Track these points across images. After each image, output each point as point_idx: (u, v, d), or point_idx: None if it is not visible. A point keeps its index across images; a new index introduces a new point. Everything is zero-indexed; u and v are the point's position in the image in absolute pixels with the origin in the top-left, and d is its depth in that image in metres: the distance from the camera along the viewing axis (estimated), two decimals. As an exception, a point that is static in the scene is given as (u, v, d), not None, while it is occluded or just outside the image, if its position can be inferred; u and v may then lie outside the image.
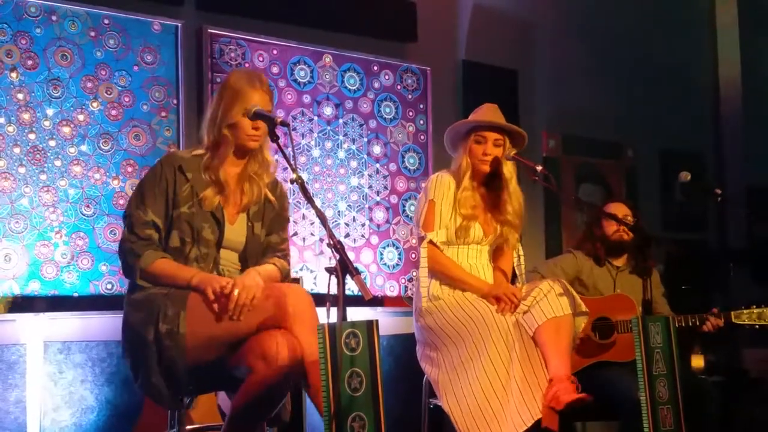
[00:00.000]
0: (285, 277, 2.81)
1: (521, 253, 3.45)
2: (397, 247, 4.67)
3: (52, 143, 3.71)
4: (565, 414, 2.90)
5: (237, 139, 2.69)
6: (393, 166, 4.71)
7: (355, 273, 2.25)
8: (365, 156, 4.62)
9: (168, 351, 2.47)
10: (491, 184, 3.36)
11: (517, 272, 3.43)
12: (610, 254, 3.78)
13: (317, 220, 2.41)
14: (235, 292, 2.46)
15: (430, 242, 3.26)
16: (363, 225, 4.58)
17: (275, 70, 4.36)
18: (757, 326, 3.52)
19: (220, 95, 2.72)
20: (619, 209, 3.73)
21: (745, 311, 3.53)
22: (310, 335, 2.42)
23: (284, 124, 2.60)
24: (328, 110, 4.51)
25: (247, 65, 4.25)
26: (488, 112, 3.36)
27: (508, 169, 3.34)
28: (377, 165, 4.65)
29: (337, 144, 4.53)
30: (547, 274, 3.72)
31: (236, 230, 2.73)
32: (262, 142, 2.74)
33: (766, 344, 5.08)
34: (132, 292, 2.62)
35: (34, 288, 3.62)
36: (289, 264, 2.86)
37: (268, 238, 2.82)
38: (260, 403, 2.48)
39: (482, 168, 3.31)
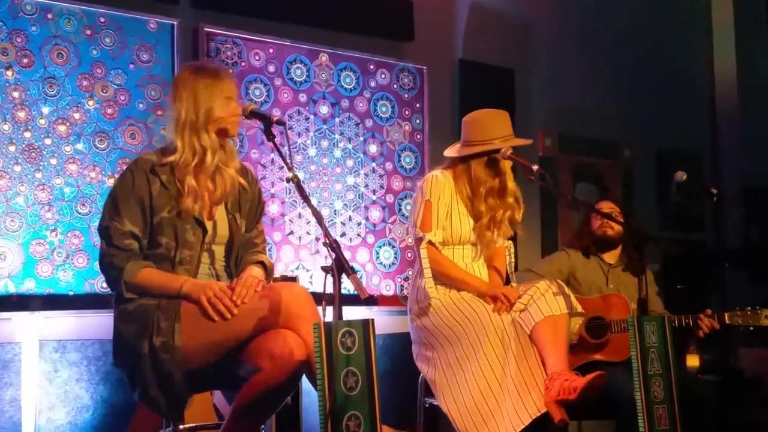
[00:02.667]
0: (271, 272, 2.79)
1: (512, 251, 3.46)
2: (393, 247, 4.67)
3: (48, 141, 3.70)
4: (574, 405, 2.88)
5: (222, 124, 2.64)
6: (389, 165, 4.71)
7: (351, 272, 2.25)
8: (361, 155, 4.61)
9: (164, 364, 2.43)
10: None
11: (508, 270, 3.44)
12: (598, 249, 3.83)
13: (313, 219, 2.40)
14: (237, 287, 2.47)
15: (429, 242, 3.26)
16: (359, 224, 4.58)
17: (271, 68, 4.36)
18: (751, 327, 3.53)
19: (189, 95, 2.62)
20: (605, 206, 3.79)
21: (739, 312, 3.54)
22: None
23: (280, 122, 2.59)
24: (324, 109, 4.51)
25: (243, 64, 4.24)
26: (506, 126, 3.32)
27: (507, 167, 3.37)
28: (373, 164, 4.65)
29: (334, 143, 4.53)
30: (541, 273, 3.73)
31: (218, 224, 2.69)
32: None
33: (761, 344, 5.10)
34: (121, 303, 2.57)
35: (30, 286, 3.62)
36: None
37: (247, 234, 2.79)
38: (265, 402, 2.47)
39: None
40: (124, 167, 3.69)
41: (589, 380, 2.82)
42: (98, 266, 2.63)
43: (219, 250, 2.71)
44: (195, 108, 2.62)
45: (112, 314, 2.60)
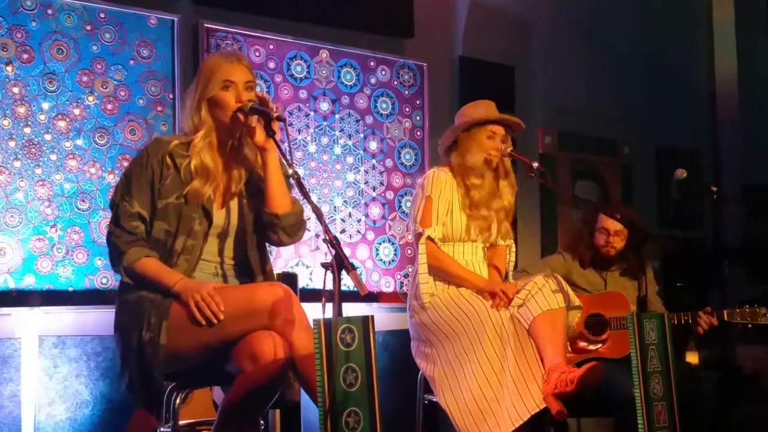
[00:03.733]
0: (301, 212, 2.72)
1: (513, 250, 3.47)
2: (392, 243, 4.68)
3: (48, 137, 3.70)
4: (573, 398, 2.89)
5: (220, 116, 2.61)
6: (389, 162, 4.71)
7: (351, 269, 2.24)
8: (361, 152, 4.61)
9: (147, 360, 2.44)
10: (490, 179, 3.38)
11: (508, 269, 3.44)
12: (596, 263, 3.77)
13: (313, 216, 2.39)
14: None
15: (428, 238, 3.26)
16: (359, 221, 4.58)
17: (272, 65, 4.36)
18: (749, 325, 3.54)
19: (196, 80, 2.66)
20: (611, 224, 3.69)
21: (737, 310, 3.55)
22: (299, 331, 2.42)
23: (280, 119, 2.57)
24: (324, 106, 4.51)
25: (243, 60, 4.24)
26: (492, 109, 3.37)
27: (508, 163, 3.38)
28: (373, 161, 4.65)
29: (334, 139, 4.53)
30: (535, 273, 3.72)
31: (231, 213, 2.66)
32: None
33: (760, 341, 5.10)
34: (123, 292, 2.57)
35: (29, 282, 3.62)
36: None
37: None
38: (250, 402, 2.47)
39: (493, 163, 3.33)
40: (125, 163, 3.72)
41: (584, 371, 2.84)
42: (106, 242, 2.61)
43: (229, 243, 2.67)
44: (195, 89, 2.64)
45: (113, 308, 2.60)
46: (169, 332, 2.45)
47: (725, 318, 3.55)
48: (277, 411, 3.61)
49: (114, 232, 2.56)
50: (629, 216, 3.72)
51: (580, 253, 3.79)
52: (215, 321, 2.42)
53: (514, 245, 3.48)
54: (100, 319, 3.69)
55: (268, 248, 2.82)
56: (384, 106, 4.71)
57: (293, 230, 2.68)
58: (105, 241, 2.63)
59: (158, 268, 2.54)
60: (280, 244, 2.72)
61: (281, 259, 4.26)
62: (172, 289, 2.49)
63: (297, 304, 2.48)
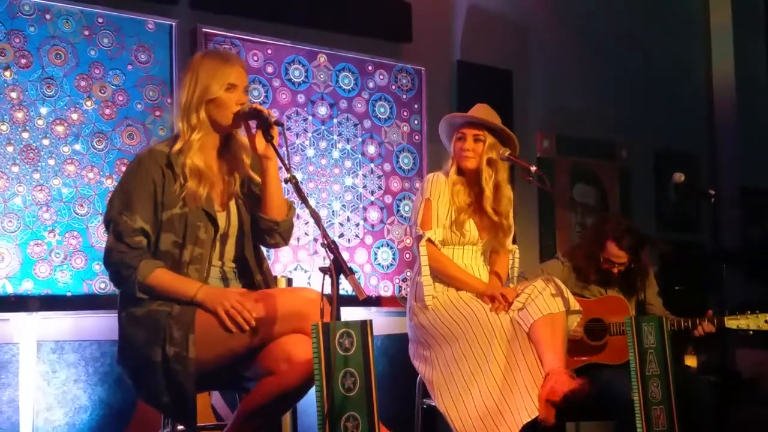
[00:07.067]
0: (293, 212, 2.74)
1: (517, 255, 3.44)
2: (391, 247, 4.67)
3: (46, 142, 3.70)
4: (561, 408, 2.89)
5: (219, 118, 2.58)
6: (387, 166, 4.71)
7: (349, 273, 2.24)
8: (360, 156, 4.61)
9: (177, 375, 2.39)
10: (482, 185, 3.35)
11: (510, 274, 3.43)
12: (598, 282, 3.72)
13: (311, 220, 2.39)
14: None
15: (429, 240, 3.26)
16: (357, 225, 4.58)
17: (270, 69, 4.36)
18: (750, 332, 3.54)
19: (192, 76, 2.59)
20: (615, 252, 3.62)
21: (739, 316, 3.54)
22: None
23: (278, 123, 2.56)
24: (322, 110, 4.51)
25: (241, 65, 4.23)
26: (474, 110, 3.38)
27: (493, 169, 3.32)
28: (372, 165, 4.65)
29: (332, 144, 4.53)
30: (532, 278, 3.70)
31: (231, 215, 2.65)
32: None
33: (759, 345, 5.10)
34: (129, 305, 2.50)
35: (27, 287, 3.61)
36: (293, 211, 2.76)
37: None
38: (277, 405, 2.47)
39: (465, 165, 3.33)
40: (123, 168, 3.71)
41: (570, 390, 2.83)
42: (104, 260, 2.54)
43: (230, 246, 2.66)
44: (194, 88, 2.58)
45: (116, 314, 2.54)
46: (196, 345, 2.41)
47: (725, 324, 3.55)
48: (287, 414, 3.59)
49: (117, 248, 2.47)
50: (637, 244, 3.62)
51: (584, 272, 3.70)
52: (247, 328, 2.40)
53: (517, 251, 3.45)
54: (99, 324, 3.69)
55: (266, 251, 2.83)
56: (382, 110, 4.71)
57: (288, 234, 2.75)
58: (103, 259, 2.54)
59: (173, 278, 2.48)
60: (275, 246, 2.78)
61: (279, 263, 4.26)
62: (194, 299, 2.45)
63: (326, 308, 2.46)
